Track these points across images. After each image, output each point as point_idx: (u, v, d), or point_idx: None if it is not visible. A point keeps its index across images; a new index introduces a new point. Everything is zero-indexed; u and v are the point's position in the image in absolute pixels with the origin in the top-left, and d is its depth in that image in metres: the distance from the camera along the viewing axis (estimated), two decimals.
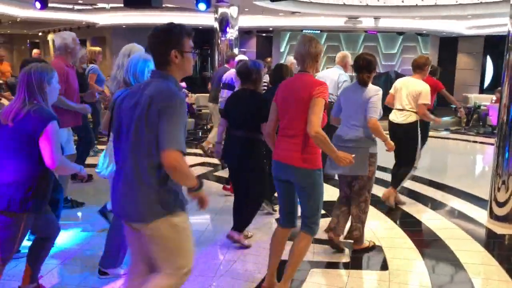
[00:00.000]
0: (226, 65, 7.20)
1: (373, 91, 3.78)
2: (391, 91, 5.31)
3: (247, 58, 5.96)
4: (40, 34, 19.18)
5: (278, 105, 3.11)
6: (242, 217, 4.06)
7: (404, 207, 5.30)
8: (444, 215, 5.13)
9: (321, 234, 4.03)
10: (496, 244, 4.47)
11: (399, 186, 5.28)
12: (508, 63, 4.67)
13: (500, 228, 4.69)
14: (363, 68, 3.81)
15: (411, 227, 4.74)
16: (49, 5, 7.99)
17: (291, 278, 3.17)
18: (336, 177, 5.02)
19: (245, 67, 3.98)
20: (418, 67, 5.19)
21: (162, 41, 2.20)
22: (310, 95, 2.87)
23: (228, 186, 5.53)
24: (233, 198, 4.27)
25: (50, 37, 18.92)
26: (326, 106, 2.91)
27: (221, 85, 6.55)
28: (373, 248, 4.12)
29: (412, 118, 5.07)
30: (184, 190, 2.29)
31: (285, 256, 3.23)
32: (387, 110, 5.09)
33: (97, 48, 7.00)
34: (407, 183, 5.71)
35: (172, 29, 2.22)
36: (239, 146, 3.94)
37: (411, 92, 5.06)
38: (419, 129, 5.15)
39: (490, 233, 4.65)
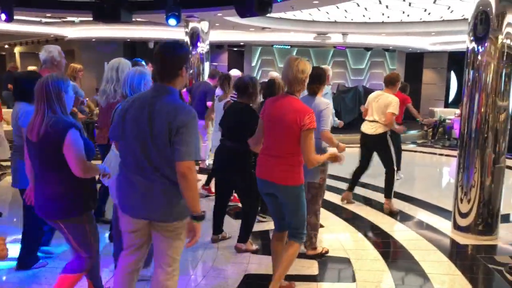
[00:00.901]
0: (208, 80, 7.29)
1: (324, 104, 3.94)
2: (366, 105, 5.80)
3: (240, 73, 6.14)
4: (6, 46, 18.77)
5: (264, 123, 3.26)
6: (242, 227, 4.30)
7: (372, 219, 5.40)
8: (410, 226, 5.26)
9: None
10: (460, 254, 4.60)
11: (391, 193, 5.69)
12: (467, 79, 4.88)
13: (463, 238, 4.84)
14: (315, 80, 3.90)
15: (377, 238, 4.83)
16: (16, 17, 7.84)
17: (281, 280, 3.33)
18: None
19: (243, 82, 4.20)
20: (390, 82, 5.69)
21: (179, 59, 2.43)
22: (299, 125, 3.04)
23: (207, 187, 5.67)
24: (213, 203, 4.53)
25: (16, 49, 18.53)
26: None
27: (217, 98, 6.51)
28: (326, 253, 4.29)
29: (381, 129, 5.52)
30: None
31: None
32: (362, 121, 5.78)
33: (79, 66, 6.99)
34: (374, 195, 5.94)
35: (187, 50, 2.54)
36: (228, 155, 4.18)
37: (381, 104, 5.49)
38: (389, 138, 5.56)
39: (453, 243, 4.78)
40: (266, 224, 5.01)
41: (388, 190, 5.69)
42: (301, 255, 4.16)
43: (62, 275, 2.84)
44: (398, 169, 7.06)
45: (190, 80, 9.49)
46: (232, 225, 4.91)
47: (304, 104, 3.19)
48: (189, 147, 2.30)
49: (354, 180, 5.99)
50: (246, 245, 4.30)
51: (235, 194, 5.67)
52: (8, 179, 6.16)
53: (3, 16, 7.15)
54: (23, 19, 11.91)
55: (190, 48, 9.75)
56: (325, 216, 5.36)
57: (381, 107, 5.50)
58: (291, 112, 3.09)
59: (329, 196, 5.96)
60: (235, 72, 7.07)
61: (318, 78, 3.91)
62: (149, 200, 2.42)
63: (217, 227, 4.53)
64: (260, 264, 4.05)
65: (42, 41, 14.90)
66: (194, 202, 2.35)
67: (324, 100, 3.99)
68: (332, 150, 3.39)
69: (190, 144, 2.31)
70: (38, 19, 12.34)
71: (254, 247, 4.34)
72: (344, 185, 6.25)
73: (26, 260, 3.72)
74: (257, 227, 4.95)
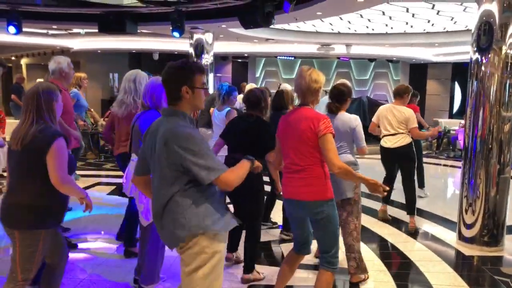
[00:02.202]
0: (215, 92, 7.27)
1: (354, 120, 3.83)
2: (374, 120, 5.63)
3: (254, 85, 6.12)
4: (13, 58, 18.95)
5: (281, 141, 3.12)
6: (246, 256, 3.95)
7: (376, 230, 5.38)
8: (415, 237, 5.23)
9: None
10: (465, 265, 4.57)
11: (415, 210, 5.56)
12: (471, 90, 4.88)
13: (468, 250, 4.80)
14: (333, 98, 3.89)
15: (383, 249, 4.81)
16: (23, 29, 7.95)
17: None
18: None
19: (255, 96, 4.01)
20: (398, 94, 5.60)
21: (175, 78, 2.33)
22: (315, 132, 2.88)
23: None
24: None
25: (23, 61, 18.70)
26: (334, 137, 2.94)
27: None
28: (366, 279, 3.99)
29: (407, 140, 5.43)
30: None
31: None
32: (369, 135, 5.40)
33: (83, 74, 7.07)
34: (377, 205, 5.90)
35: (183, 66, 2.34)
36: None
37: (399, 117, 5.42)
38: (414, 149, 5.53)
39: (459, 254, 4.75)
40: (269, 234, 4.99)
41: (411, 208, 5.51)
42: (301, 265, 4.08)
43: None
44: (423, 186, 7.08)
45: None
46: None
47: (317, 112, 3.03)
48: (206, 169, 2.19)
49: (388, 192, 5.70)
50: (253, 274, 3.95)
51: None
52: None
53: (13, 29, 7.24)
54: (30, 31, 12.05)
55: (195, 59, 9.81)
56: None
57: (399, 120, 5.38)
58: (304, 120, 2.94)
59: None
60: (252, 86, 6.99)
61: (335, 96, 3.84)
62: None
63: (233, 245, 4.22)
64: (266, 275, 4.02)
65: (48, 53, 15.04)
66: (244, 175, 2.39)
67: (353, 116, 3.86)
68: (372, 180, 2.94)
69: (203, 166, 2.19)
70: (44, 31, 12.48)
71: (262, 275, 3.99)
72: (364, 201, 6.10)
73: None
74: (267, 237, 4.94)
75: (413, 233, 5.34)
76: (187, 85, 2.31)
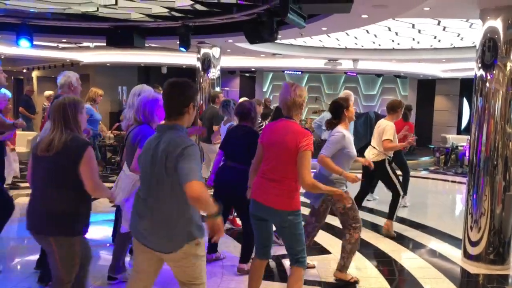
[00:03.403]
0: (212, 104, 7.31)
1: (335, 131, 3.99)
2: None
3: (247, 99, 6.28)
4: (24, 70, 19.23)
5: (264, 147, 3.27)
6: (243, 248, 4.37)
7: (380, 246, 5.33)
8: (420, 254, 5.17)
9: None
10: (470, 283, 4.50)
11: (393, 215, 5.70)
12: (476, 106, 4.86)
13: (473, 268, 4.73)
14: (331, 113, 4.13)
15: (386, 266, 4.75)
16: (34, 43, 8.08)
17: None
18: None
19: (245, 107, 4.38)
20: (391, 109, 5.72)
21: (186, 94, 2.49)
22: (297, 147, 3.03)
23: (231, 217, 5.74)
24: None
25: (34, 74, 18.97)
26: (312, 155, 3.11)
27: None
28: (355, 283, 4.18)
29: (379, 157, 5.59)
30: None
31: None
32: None
33: (100, 91, 7.25)
34: (383, 221, 5.86)
35: (193, 85, 2.55)
36: (232, 175, 4.21)
37: (378, 131, 5.62)
38: (387, 166, 5.60)
39: (463, 272, 4.68)
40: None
41: (390, 212, 5.72)
42: (307, 282, 4.11)
43: None
44: (405, 194, 7.02)
45: (200, 106, 9.63)
46: (232, 246, 4.88)
47: (302, 128, 3.21)
48: (190, 171, 2.31)
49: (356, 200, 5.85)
50: (247, 265, 4.28)
51: (235, 217, 5.71)
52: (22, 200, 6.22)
53: (27, 43, 7.36)
54: (41, 45, 12.24)
55: (202, 73, 9.92)
56: (332, 242, 5.31)
57: (378, 135, 5.61)
58: (289, 134, 3.10)
59: (335, 221, 5.90)
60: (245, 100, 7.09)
61: (333, 112, 4.06)
62: (156, 232, 2.55)
63: (212, 247, 4.59)
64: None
65: (58, 66, 15.24)
66: (208, 209, 2.34)
67: (341, 129, 3.99)
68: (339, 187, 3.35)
69: (191, 168, 2.31)
70: (54, 44, 12.67)
71: None
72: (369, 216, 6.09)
73: None
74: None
75: (403, 241, 5.53)
76: (193, 103, 2.50)
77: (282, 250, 4.90)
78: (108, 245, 5.03)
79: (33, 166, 2.87)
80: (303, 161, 3.02)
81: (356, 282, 4.21)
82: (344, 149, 3.92)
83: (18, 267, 4.53)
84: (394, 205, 5.66)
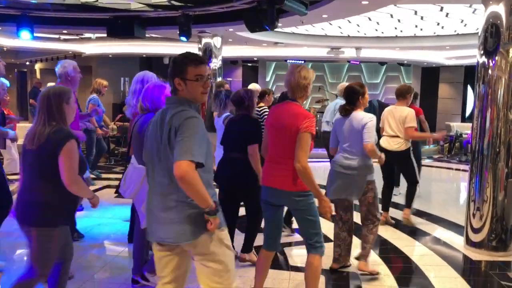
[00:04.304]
0: None
1: (367, 118, 3.90)
2: (380, 124, 5.56)
3: (259, 87, 6.18)
4: (27, 63, 19.24)
5: (269, 131, 3.24)
6: (246, 237, 4.33)
7: (383, 234, 5.32)
8: (422, 241, 5.16)
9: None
10: (472, 270, 4.50)
11: (411, 204, 5.64)
12: (478, 93, 4.81)
13: (476, 254, 4.73)
14: (346, 99, 4.03)
15: (388, 253, 4.75)
16: (36, 35, 8.08)
17: None
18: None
19: (239, 96, 4.26)
20: (401, 95, 5.54)
21: (170, 70, 2.39)
22: (297, 128, 2.98)
23: None
24: None
25: (37, 66, 18.98)
26: (313, 138, 3.05)
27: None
28: (376, 274, 4.11)
29: (405, 146, 5.39)
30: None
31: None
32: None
33: (105, 82, 7.27)
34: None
35: (176, 59, 2.39)
36: (233, 166, 4.13)
37: (398, 118, 5.37)
38: (411, 154, 5.46)
39: (466, 259, 4.68)
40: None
41: (409, 200, 5.64)
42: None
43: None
44: (399, 185, 6.99)
45: None
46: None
47: (305, 110, 3.15)
48: (182, 147, 2.18)
49: (386, 201, 5.69)
50: (249, 255, 4.31)
51: None
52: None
53: (28, 35, 7.36)
54: (43, 36, 12.24)
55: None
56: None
57: (399, 122, 5.35)
58: (291, 116, 3.06)
59: None
60: (255, 87, 6.98)
61: (348, 97, 3.98)
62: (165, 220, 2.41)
63: None
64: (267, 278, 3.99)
65: (61, 58, 15.22)
66: (200, 199, 2.23)
67: (367, 114, 3.94)
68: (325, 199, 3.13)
69: (184, 144, 2.18)
70: (56, 36, 12.66)
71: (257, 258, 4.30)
72: None
73: None
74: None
75: (405, 229, 5.49)
76: (178, 77, 2.34)
77: (288, 239, 4.94)
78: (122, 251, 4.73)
79: (22, 158, 2.87)
80: (302, 143, 2.97)
81: (378, 273, 4.13)
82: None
83: (20, 263, 4.55)
84: (412, 194, 5.61)
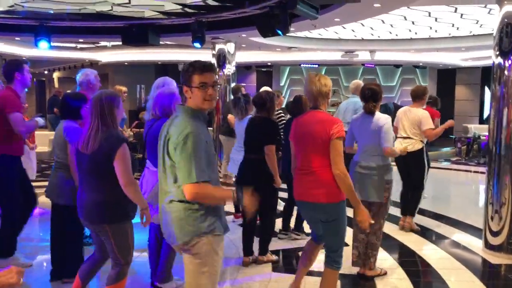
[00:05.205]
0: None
1: (383, 119, 3.90)
2: (395, 122, 5.49)
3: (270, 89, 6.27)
4: (45, 72, 19.60)
5: (294, 144, 3.25)
6: (261, 239, 4.38)
7: (398, 237, 5.27)
8: (440, 245, 5.09)
9: None
10: (491, 274, 4.42)
11: (416, 211, 5.52)
12: (494, 94, 4.75)
13: (494, 258, 4.64)
14: (369, 98, 3.94)
15: (405, 257, 4.70)
16: (53, 44, 8.23)
17: None
18: None
19: (260, 98, 4.38)
20: (416, 97, 5.48)
21: (181, 78, 2.44)
22: (328, 135, 3.00)
23: (239, 214, 5.68)
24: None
25: (55, 75, 19.32)
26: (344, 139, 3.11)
27: None
28: (384, 274, 4.12)
29: (418, 145, 5.31)
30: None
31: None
32: None
33: (124, 88, 7.39)
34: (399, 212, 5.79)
35: (184, 68, 2.44)
36: (252, 167, 4.21)
37: (412, 120, 5.31)
38: (425, 155, 5.39)
39: (485, 262, 4.60)
40: (287, 242, 4.96)
41: (413, 208, 5.51)
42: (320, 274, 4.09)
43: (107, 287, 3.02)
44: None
45: (217, 102, 9.63)
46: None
47: (330, 115, 3.18)
48: (184, 172, 2.27)
49: (405, 204, 5.60)
50: (266, 256, 4.37)
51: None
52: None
53: (46, 44, 7.50)
54: (61, 46, 12.47)
55: (217, 69, 9.88)
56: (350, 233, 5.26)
57: (413, 123, 5.30)
58: (318, 123, 3.07)
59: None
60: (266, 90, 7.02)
61: (372, 96, 3.92)
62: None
63: (248, 249, 4.40)
64: (283, 282, 3.99)
65: (78, 66, 15.49)
66: (222, 201, 2.38)
67: (383, 115, 3.93)
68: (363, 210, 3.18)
69: (185, 167, 2.26)
70: (73, 45, 12.88)
71: (275, 257, 4.44)
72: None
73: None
74: (285, 244, 4.95)
75: (419, 232, 5.42)
76: (185, 85, 2.40)
77: (302, 243, 4.92)
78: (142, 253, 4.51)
79: (77, 159, 3.02)
80: (337, 148, 2.99)
81: (385, 273, 4.14)
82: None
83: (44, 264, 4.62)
84: (418, 200, 5.47)
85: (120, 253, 2.99)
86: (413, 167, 5.42)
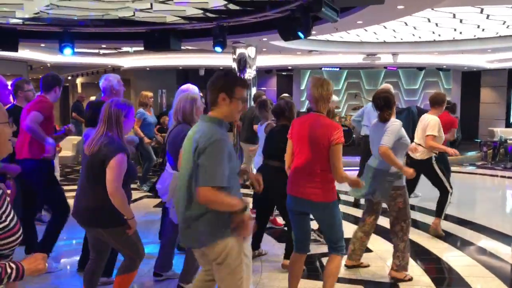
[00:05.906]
0: (254, 105, 7.28)
1: (391, 122, 3.91)
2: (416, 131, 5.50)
3: (288, 95, 6.57)
4: (69, 78, 19.98)
5: (294, 142, 3.36)
6: (288, 246, 4.33)
7: (424, 244, 5.14)
8: (466, 251, 4.96)
9: None
10: None
11: (442, 214, 5.44)
12: None
13: None
14: (383, 107, 3.96)
15: (430, 264, 4.58)
16: (76, 50, 8.37)
17: None
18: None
19: (279, 107, 4.47)
20: (436, 103, 5.40)
21: (216, 83, 2.46)
22: (329, 140, 3.12)
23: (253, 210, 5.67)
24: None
25: (78, 80, 19.66)
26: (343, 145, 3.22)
27: None
28: (409, 280, 4.07)
29: (426, 155, 5.28)
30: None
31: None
32: None
33: (150, 93, 7.51)
34: (426, 218, 5.69)
35: (227, 74, 2.50)
36: (271, 174, 4.18)
37: (423, 126, 5.28)
38: (434, 164, 5.28)
39: None
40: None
41: (439, 210, 5.42)
42: (352, 281, 4.04)
43: (117, 277, 3.08)
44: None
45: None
46: (272, 244, 4.92)
47: (332, 120, 3.28)
48: (205, 174, 2.30)
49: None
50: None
51: (276, 217, 5.70)
52: None
53: (70, 51, 7.64)
54: (84, 52, 12.68)
55: (238, 73, 9.91)
56: (373, 240, 5.16)
57: (424, 130, 5.26)
58: (320, 128, 3.18)
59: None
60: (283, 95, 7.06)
61: (385, 104, 3.94)
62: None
63: (255, 243, 4.62)
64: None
65: (101, 71, 15.74)
66: (230, 208, 2.37)
67: (394, 119, 3.94)
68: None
69: (207, 169, 2.30)
70: (96, 50, 13.08)
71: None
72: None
73: None
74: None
75: (445, 238, 5.30)
76: (225, 93, 2.42)
77: (324, 248, 4.84)
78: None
79: (82, 161, 3.13)
80: (337, 154, 3.12)
81: (410, 279, 4.08)
82: (401, 138, 3.90)
83: (68, 267, 4.66)
84: (443, 203, 5.38)
85: (128, 250, 3.04)
86: (425, 174, 5.41)
